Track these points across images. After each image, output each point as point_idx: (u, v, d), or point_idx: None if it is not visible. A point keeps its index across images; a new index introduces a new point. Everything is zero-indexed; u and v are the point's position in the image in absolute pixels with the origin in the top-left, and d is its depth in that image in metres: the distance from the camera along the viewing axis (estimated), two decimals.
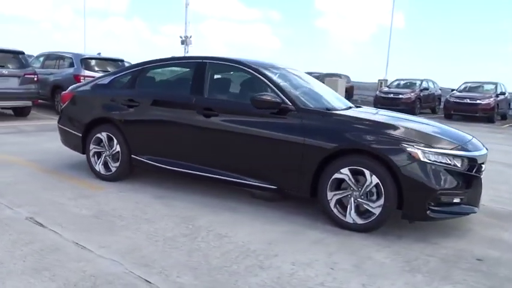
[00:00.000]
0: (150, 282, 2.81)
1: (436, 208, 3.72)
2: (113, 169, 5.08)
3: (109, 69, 11.14)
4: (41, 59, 12.37)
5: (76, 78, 10.84)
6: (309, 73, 21.90)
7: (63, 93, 5.68)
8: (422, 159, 3.65)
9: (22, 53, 10.47)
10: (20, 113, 10.41)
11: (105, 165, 5.13)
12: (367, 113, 4.61)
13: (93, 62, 11.74)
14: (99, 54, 12.98)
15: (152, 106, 4.84)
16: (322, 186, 3.96)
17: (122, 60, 12.19)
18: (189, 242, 3.48)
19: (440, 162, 3.70)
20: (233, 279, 2.90)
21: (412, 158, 3.65)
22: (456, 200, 3.82)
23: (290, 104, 4.15)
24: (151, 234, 3.61)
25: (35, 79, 10.15)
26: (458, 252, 3.58)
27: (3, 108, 10.35)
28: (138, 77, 5.11)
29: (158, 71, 5.22)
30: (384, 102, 17.60)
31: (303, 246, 3.53)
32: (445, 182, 3.70)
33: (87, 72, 11.08)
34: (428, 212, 3.69)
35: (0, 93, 9.50)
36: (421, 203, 3.68)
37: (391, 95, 18.18)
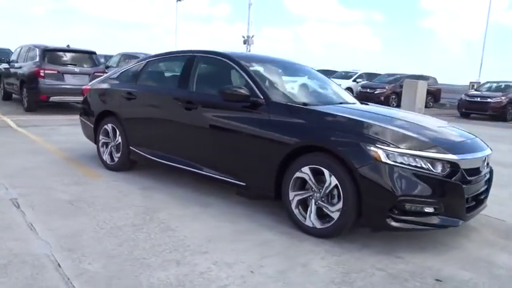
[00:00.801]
0: (59, 267, 2.87)
1: (400, 217, 3.29)
2: (116, 159, 5.30)
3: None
4: (116, 58, 13.35)
5: None
6: (391, 74, 20.99)
7: (83, 87, 6.05)
8: (383, 160, 3.25)
9: (94, 53, 11.37)
10: None
11: (110, 155, 5.37)
12: (353, 109, 4.21)
13: None
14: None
15: (146, 99, 4.96)
16: (285, 185, 3.73)
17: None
18: (132, 232, 3.50)
19: (408, 165, 3.26)
20: (139, 271, 2.85)
21: (373, 158, 3.27)
22: (428, 210, 3.33)
23: (261, 97, 3.96)
24: (104, 221, 3.69)
25: None
26: (419, 269, 3.13)
27: (76, 102, 11.33)
28: (140, 71, 5.26)
29: (158, 65, 5.32)
30: (469, 106, 16.10)
31: (243, 246, 3.35)
32: (410, 188, 3.25)
33: None
34: (388, 220, 3.27)
35: (72, 89, 10.38)
36: (379, 209, 3.28)
37: (478, 99, 16.39)
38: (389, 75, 21.07)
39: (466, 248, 3.60)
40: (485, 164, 3.73)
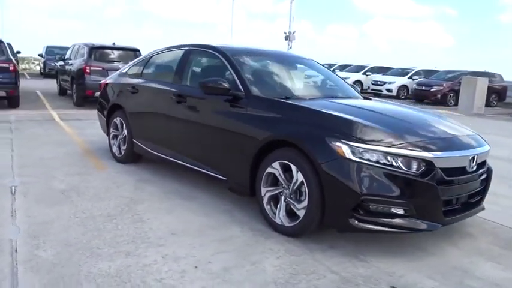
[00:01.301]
0: (16, 252, 3.01)
1: (364, 218, 3.08)
2: (122, 151, 5.47)
3: None
4: None
5: None
6: (450, 71, 19.70)
7: (101, 82, 6.29)
8: (347, 156, 3.05)
9: (138, 50, 11.78)
10: None
11: (119, 147, 5.55)
12: (339, 103, 3.99)
13: None
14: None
15: (146, 93, 5.06)
16: (258, 181, 3.64)
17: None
18: (102, 222, 3.58)
19: (374, 162, 3.04)
20: (85, 260, 2.91)
21: (336, 154, 3.09)
22: (398, 211, 3.09)
23: (242, 91, 3.88)
24: (82, 211, 3.81)
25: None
26: (378, 275, 2.92)
27: None
28: (144, 66, 5.37)
29: (159, 59, 5.38)
30: None
31: (204, 241, 3.32)
32: (375, 187, 3.03)
33: None
34: (351, 220, 3.07)
35: None
36: (342, 209, 3.10)
37: None
38: (448, 72, 19.81)
39: (447, 255, 3.30)
40: (475, 163, 3.37)
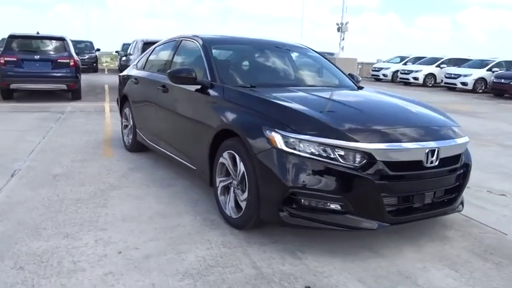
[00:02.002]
0: None
1: (297, 212, 2.89)
2: (130, 141, 5.67)
3: None
4: None
5: None
6: None
7: (119, 74, 6.56)
8: (279, 146, 2.89)
9: None
10: None
11: (128, 136, 5.77)
12: (304, 93, 3.74)
13: None
14: None
15: (143, 84, 5.19)
16: (214, 171, 3.58)
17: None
18: (67, 206, 3.74)
19: (310, 153, 2.84)
20: (22, 239, 3.05)
21: (270, 143, 2.93)
22: (334, 207, 2.86)
23: (209, 80, 3.84)
24: (58, 194, 4.02)
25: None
26: (300, 273, 2.73)
27: None
28: (148, 57, 5.51)
29: (158, 51, 5.46)
30: None
31: (146, 228, 3.33)
32: (305, 179, 2.83)
33: None
34: (282, 214, 2.91)
35: None
36: (272, 201, 2.94)
37: None
38: None
39: (399, 258, 3.00)
40: (435, 157, 3.00)
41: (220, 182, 3.48)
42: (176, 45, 4.75)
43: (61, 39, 11.07)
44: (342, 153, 2.80)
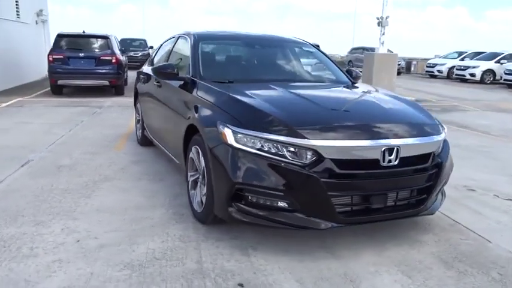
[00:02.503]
0: None
1: (245, 209, 2.87)
2: (140, 135, 5.88)
3: None
4: None
5: None
6: None
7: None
8: (228, 141, 2.88)
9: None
10: None
11: (138, 130, 5.98)
12: (279, 88, 3.65)
13: None
14: None
15: (147, 80, 5.35)
16: (186, 165, 3.64)
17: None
18: (54, 195, 3.95)
19: (257, 149, 2.80)
20: None
21: (222, 138, 2.94)
22: (282, 205, 2.80)
23: (190, 75, 3.90)
24: (52, 184, 4.25)
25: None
26: (240, 270, 2.71)
27: None
28: (155, 54, 5.67)
29: (163, 48, 5.57)
30: None
31: (114, 219, 3.44)
32: (252, 176, 2.80)
33: None
34: (230, 210, 2.90)
35: None
36: (222, 197, 2.93)
37: None
38: None
39: (352, 260, 2.89)
40: (394, 156, 2.83)
41: (191, 176, 3.52)
42: (174, 42, 4.84)
43: (105, 37, 11.61)
44: (291, 150, 2.73)
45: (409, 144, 2.90)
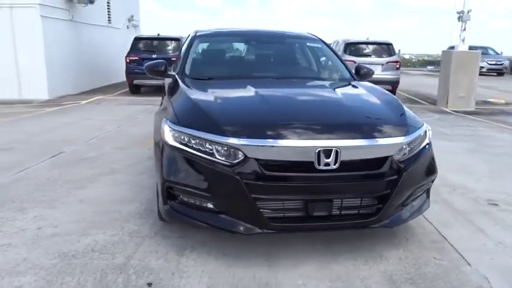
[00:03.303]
0: None
1: (178, 207, 2.81)
2: None
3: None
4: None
5: None
6: None
7: None
8: (165, 138, 2.83)
9: (390, 44, 12.19)
10: None
11: None
12: (254, 86, 3.48)
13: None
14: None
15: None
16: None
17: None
18: (55, 184, 4.23)
19: (190, 148, 2.71)
20: None
21: (162, 135, 2.92)
22: (209, 206, 2.70)
23: (177, 72, 3.93)
24: (62, 174, 4.56)
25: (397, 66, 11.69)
26: (158, 270, 2.65)
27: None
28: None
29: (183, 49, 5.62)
30: None
31: (89, 211, 3.57)
32: (180, 174, 2.72)
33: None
34: (165, 207, 2.85)
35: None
36: (160, 194, 2.90)
37: None
38: None
39: (285, 270, 2.67)
40: (332, 159, 2.54)
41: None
42: (187, 40, 4.89)
43: (177, 39, 12.17)
44: (220, 149, 2.59)
45: (351, 146, 2.58)
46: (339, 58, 4.30)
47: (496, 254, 2.92)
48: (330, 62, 4.25)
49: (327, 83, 3.84)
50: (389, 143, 2.66)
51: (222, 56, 4.35)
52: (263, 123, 2.70)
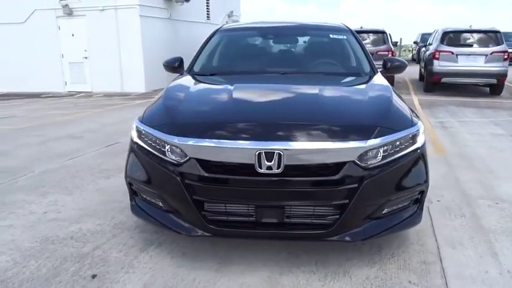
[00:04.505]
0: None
1: (139, 204, 2.85)
2: None
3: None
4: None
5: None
6: None
7: None
8: (133, 135, 2.89)
9: (498, 32, 10.73)
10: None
11: None
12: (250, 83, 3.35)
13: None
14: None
15: None
16: None
17: None
18: (86, 173, 4.57)
19: (148, 145, 2.71)
20: (16, 191, 4.06)
21: (131, 132, 2.99)
22: (160, 204, 2.70)
23: (187, 68, 4.00)
24: (101, 165, 4.90)
25: (505, 57, 10.27)
26: (110, 264, 2.73)
27: (473, 84, 11.06)
28: None
29: None
30: None
31: (93, 199, 3.79)
32: (135, 171, 2.76)
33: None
34: (132, 204, 2.92)
35: (465, 71, 10.48)
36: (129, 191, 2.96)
37: None
38: None
39: (230, 277, 2.54)
40: (275, 162, 2.32)
41: None
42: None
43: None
44: (170, 148, 2.56)
45: (297, 149, 2.34)
46: (364, 51, 3.91)
47: (491, 286, 2.43)
48: (351, 55, 3.89)
49: (331, 79, 3.53)
50: (345, 147, 2.35)
51: (233, 51, 4.23)
52: (209, 123, 2.59)
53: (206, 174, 2.41)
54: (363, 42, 8.66)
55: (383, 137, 2.43)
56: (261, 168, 2.33)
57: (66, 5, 12.35)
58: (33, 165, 4.89)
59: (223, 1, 16.99)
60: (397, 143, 2.48)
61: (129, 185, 2.81)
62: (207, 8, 15.61)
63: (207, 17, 15.68)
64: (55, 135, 6.50)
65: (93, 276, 2.54)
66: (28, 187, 4.12)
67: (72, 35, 12.74)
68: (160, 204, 2.63)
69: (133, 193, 2.84)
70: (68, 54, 12.89)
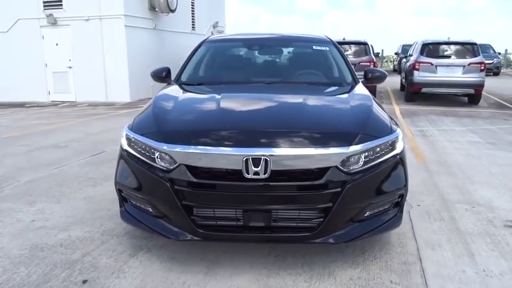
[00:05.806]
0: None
1: (129, 210, 2.91)
2: None
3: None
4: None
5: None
6: None
7: None
8: (122, 143, 2.95)
9: (475, 44, 11.12)
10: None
11: None
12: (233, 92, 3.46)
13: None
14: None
15: None
16: None
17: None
18: (74, 182, 4.60)
19: (137, 152, 2.78)
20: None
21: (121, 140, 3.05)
22: (150, 210, 2.76)
23: (174, 78, 4.08)
24: (89, 173, 4.95)
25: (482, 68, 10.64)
26: (101, 269, 2.77)
27: (452, 94, 11.45)
28: None
29: None
30: None
31: (81, 207, 3.84)
32: (127, 178, 2.82)
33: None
34: (121, 210, 2.97)
35: (443, 81, 10.81)
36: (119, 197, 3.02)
37: None
38: None
39: (218, 281, 2.62)
40: (261, 167, 2.42)
41: None
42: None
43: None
44: (159, 155, 2.63)
45: (282, 155, 2.44)
46: (345, 62, 4.06)
47: (467, 284, 2.55)
48: (334, 66, 4.03)
49: (315, 88, 3.67)
50: (329, 153, 2.47)
51: (219, 61, 4.34)
52: (198, 130, 2.69)
53: (195, 180, 2.49)
54: (346, 53, 8.78)
55: (364, 144, 2.55)
56: (248, 173, 2.43)
57: (51, 15, 12.33)
58: (19, 174, 4.90)
59: (208, 12, 17.15)
60: (378, 149, 2.61)
61: (119, 191, 2.87)
62: (192, 19, 15.74)
63: (192, 27, 15.81)
64: (40, 145, 6.50)
65: (84, 282, 2.59)
66: (14, 196, 4.14)
67: (57, 45, 12.70)
68: (150, 209, 2.70)
69: (122, 200, 2.90)
70: (51, 64, 12.84)
